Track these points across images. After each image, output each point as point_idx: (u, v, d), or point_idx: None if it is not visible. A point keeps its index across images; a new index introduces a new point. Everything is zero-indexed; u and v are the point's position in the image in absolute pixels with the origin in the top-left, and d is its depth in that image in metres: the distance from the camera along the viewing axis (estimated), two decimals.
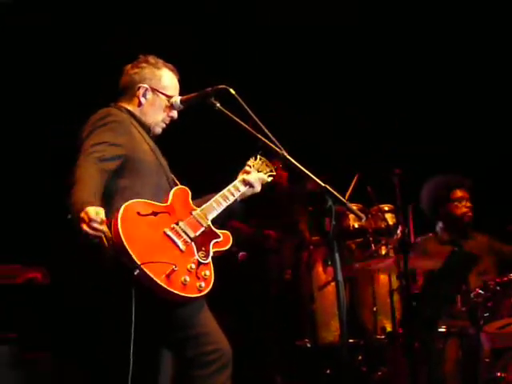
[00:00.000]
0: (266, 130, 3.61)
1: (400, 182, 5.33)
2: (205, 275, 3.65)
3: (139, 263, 3.43)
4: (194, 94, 3.90)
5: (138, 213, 3.59)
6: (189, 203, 3.88)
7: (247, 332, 7.24)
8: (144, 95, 3.95)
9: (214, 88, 3.77)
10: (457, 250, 5.60)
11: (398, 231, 5.63)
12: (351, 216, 6.39)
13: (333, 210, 3.48)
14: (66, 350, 6.01)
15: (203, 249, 3.73)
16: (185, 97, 3.97)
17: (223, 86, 3.73)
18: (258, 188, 4.18)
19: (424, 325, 5.21)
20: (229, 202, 3.99)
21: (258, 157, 4.33)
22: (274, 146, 3.62)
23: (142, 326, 3.51)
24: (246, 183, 4.14)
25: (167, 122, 4.05)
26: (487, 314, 5.13)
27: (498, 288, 5.19)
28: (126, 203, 3.57)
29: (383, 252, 6.25)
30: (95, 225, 3.35)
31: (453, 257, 5.15)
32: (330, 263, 6.54)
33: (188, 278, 3.57)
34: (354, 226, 6.44)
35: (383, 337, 5.96)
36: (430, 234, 6.16)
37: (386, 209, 6.36)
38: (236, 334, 7.22)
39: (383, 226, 6.28)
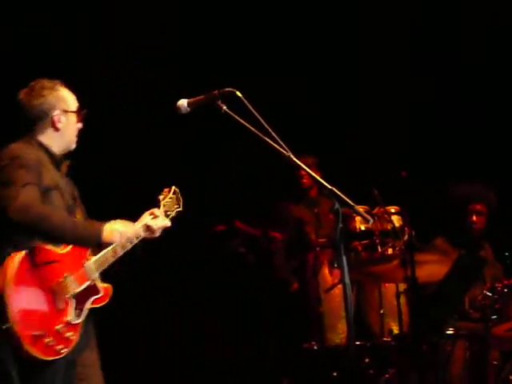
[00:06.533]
0: (272, 133, 3.58)
1: (406, 185, 5.29)
2: (68, 338, 3.65)
3: (10, 320, 3.48)
4: (201, 97, 3.83)
5: (32, 263, 3.60)
6: (86, 251, 3.82)
7: (254, 335, 7.25)
8: (59, 121, 3.93)
9: (221, 91, 3.73)
10: (466, 252, 5.56)
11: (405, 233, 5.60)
12: (357, 218, 6.38)
13: (339, 212, 3.46)
14: None
15: (79, 307, 3.71)
16: (192, 100, 3.91)
17: (230, 89, 3.70)
18: (156, 235, 4.04)
19: (432, 327, 5.19)
20: (126, 249, 3.90)
21: (173, 189, 4.19)
22: (280, 149, 3.59)
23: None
24: (148, 229, 3.99)
25: (77, 135, 4.04)
26: (495, 316, 5.12)
27: (506, 290, 5.19)
28: (21, 253, 3.58)
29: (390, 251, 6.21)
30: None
31: (462, 259, 5.12)
32: (336, 265, 6.53)
33: (52, 341, 3.58)
34: (360, 228, 6.44)
35: (390, 339, 5.94)
36: (441, 237, 5.97)
37: (393, 211, 6.35)
38: (243, 336, 7.30)
39: (389, 227, 6.26)
